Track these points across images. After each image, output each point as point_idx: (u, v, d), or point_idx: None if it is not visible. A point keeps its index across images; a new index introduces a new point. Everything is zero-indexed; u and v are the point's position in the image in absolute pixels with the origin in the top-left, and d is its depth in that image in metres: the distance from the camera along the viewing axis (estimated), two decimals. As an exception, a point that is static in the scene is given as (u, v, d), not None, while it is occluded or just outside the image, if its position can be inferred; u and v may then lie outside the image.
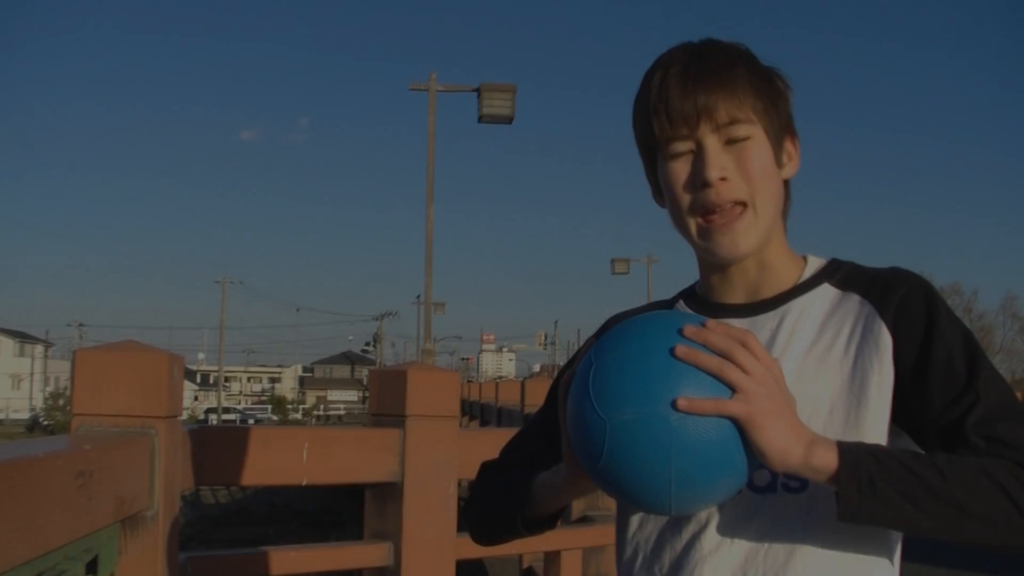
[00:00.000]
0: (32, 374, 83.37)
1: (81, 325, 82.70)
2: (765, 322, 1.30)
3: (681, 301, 1.41)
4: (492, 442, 3.72)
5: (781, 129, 1.29)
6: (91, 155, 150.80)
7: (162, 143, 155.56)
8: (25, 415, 70.63)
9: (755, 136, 1.25)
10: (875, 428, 1.20)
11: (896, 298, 1.24)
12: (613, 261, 45.81)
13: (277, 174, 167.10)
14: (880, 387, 1.21)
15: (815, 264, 1.34)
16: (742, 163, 1.24)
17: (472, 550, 3.75)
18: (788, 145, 1.32)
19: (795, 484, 1.19)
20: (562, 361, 14.25)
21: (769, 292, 1.31)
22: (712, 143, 1.24)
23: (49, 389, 71.61)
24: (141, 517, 2.05)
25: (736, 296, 1.33)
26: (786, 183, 1.32)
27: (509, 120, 19.97)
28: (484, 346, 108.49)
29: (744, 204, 1.25)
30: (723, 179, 1.24)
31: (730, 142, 1.25)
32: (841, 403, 1.22)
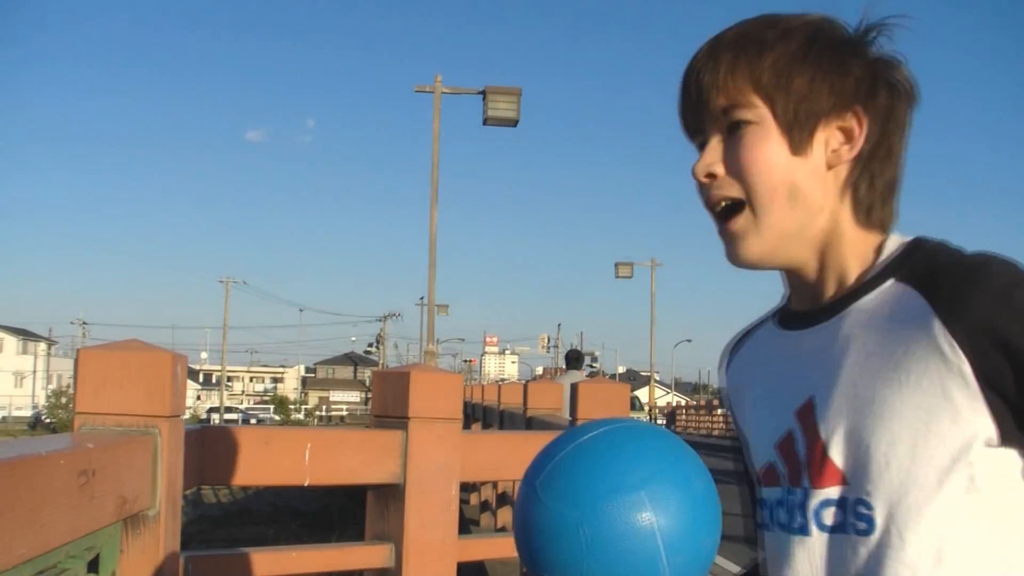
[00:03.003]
0: (35, 372, 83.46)
1: (84, 323, 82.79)
2: (823, 333, 1.11)
3: (777, 313, 1.24)
4: (494, 445, 3.72)
5: (810, 110, 1.08)
6: (96, 153, 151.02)
7: (168, 142, 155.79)
8: (27, 412, 70.70)
9: (759, 121, 1.09)
10: (948, 455, 1.00)
11: (969, 307, 0.98)
12: (617, 265, 45.85)
13: (282, 174, 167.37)
14: (955, 416, 0.99)
15: (891, 250, 1.10)
16: (734, 155, 1.09)
17: (473, 552, 3.74)
18: (832, 127, 1.10)
19: (862, 526, 1.04)
20: (564, 364, 14.12)
21: (830, 294, 1.12)
22: (713, 136, 1.12)
23: (51, 387, 71.64)
24: (143, 516, 2.05)
25: (804, 301, 1.16)
26: (862, 162, 1.10)
27: (514, 123, 19.97)
28: (487, 348, 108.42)
29: (743, 203, 1.09)
30: (710, 176, 1.11)
31: (732, 130, 1.10)
32: (905, 432, 1.01)
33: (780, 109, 1.08)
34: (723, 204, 1.11)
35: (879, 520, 1.02)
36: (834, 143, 1.10)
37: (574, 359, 12.81)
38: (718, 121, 1.11)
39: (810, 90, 1.09)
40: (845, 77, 1.09)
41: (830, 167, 1.10)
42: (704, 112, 1.12)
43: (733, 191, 1.10)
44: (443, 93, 20.48)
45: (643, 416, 36.46)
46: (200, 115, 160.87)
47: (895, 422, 1.02)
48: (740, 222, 1.10)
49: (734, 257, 1.12)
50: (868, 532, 1.03)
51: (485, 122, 19.85)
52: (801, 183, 1.08)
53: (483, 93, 19.74)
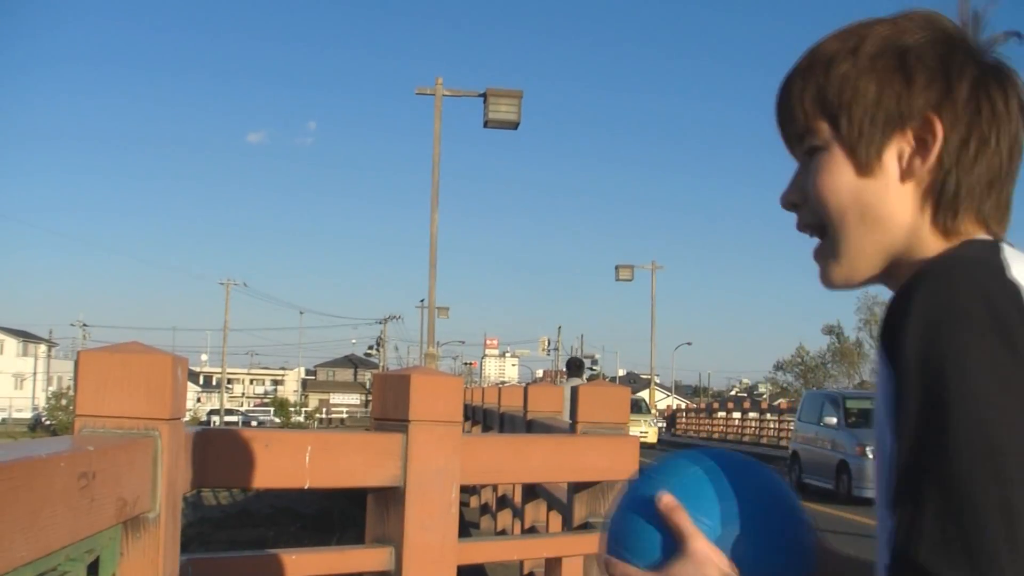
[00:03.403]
0: (35, 374, 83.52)
1: (84, 325, 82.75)
2: None
3: None
4: (494, 448, 3.72)
5: (874, 126, 1.04)
6: (96, 154, 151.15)
7: (169, 143, 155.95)
8: (27, 414, 70.74)
9: (826, 145, 1.07)
10: None
11: (883, 325, 0.94)
12: (617, 267, 45.85)
13: (283, 176, 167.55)
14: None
15: None
16: (806, 183, 1.09)
17: (473, 555, 3.74)
18: (904, 138, 1.04)
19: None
20: (565, 370, 14.19)
21: None
22: (799, 164, 1.12)
23: (52, 389, 71.65)
24: (143, 519, 2.05)
25: None
26: (944, 168, 1.03)
27: (515, 126, 19.99)
28: (487, 351, 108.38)
29: (824, 228, 1.08)
30: (793, 204, 1.11)
31: (810, 156, 1.09)
32: (881, 459, 0.96)
33: (843, 130, 1.06)
34: (808, 231, 1.11)
35: (880, 550, 0.96)
36: (907, 155, 1.04)
37: (575, 367, 12.86)
38: (798, 149, 1.11)
39: (874, 105, 1.04)
40: (912, 83, 1.03)
41: (905, 180, 1.04)
42: (786, 141, 1.13)
43: (812, 218, 1.09)
44: (444, 96, 20.49)
45: (649, 419, 35.84)
46: (201, 116, 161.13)
47: (879, 446, 0.97)
48: (821, 247, 1.09)
49: (821, 280, 1.11)
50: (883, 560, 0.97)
51: (486, 125, 19.87)
52: (871, 203, 1.05)
53: (484, 96, 19.76)
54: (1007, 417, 0.84)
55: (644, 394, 48.12)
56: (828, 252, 1.08)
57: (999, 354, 0.85)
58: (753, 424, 40.08)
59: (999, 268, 0.93)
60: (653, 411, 44.75)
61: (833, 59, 1.07)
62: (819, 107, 1.07)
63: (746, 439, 38.08)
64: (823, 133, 1.07)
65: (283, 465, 2.83)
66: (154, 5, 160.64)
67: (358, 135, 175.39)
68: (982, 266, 0.93)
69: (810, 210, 1.09)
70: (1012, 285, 0.90)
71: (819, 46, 1.10)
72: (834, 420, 17.04)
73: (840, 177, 1.06)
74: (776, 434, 35.26)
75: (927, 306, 0.89)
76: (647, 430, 32.68)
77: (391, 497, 3.04)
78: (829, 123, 1.07)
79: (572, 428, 3.99)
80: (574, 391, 4.01)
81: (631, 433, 4.02)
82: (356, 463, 3.00)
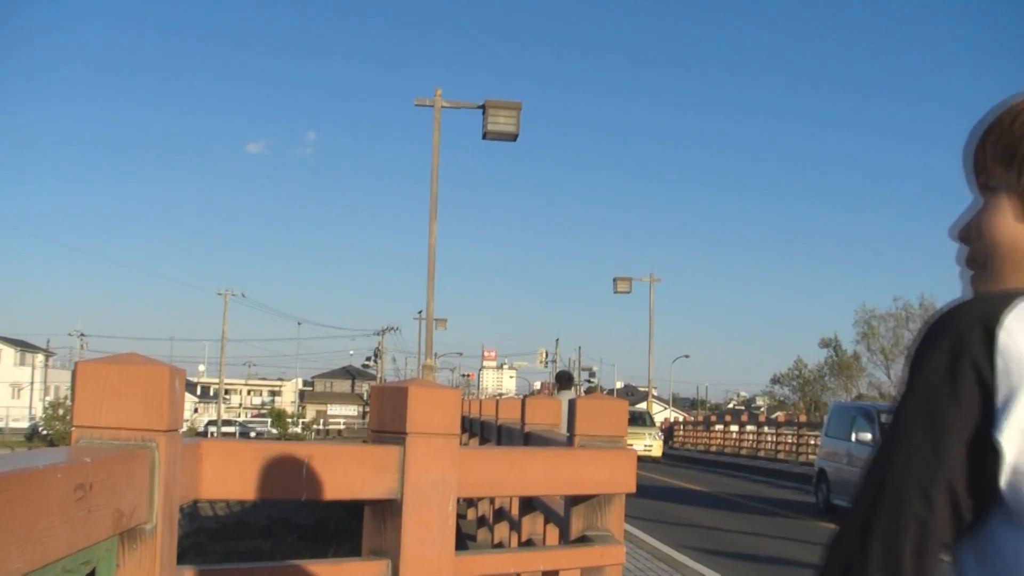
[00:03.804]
0: (32, 383, 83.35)
1: (82, 335, 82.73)
2: None
3: None
4: (492, 461, 3.72)
5: None
6: (95, 163, 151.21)
7: (167, 152, 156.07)
8: (24, 424, 70.65)
9: (1000, 188, 1.17)
10: None
11: None
12: (615, 280, 45.93)
13: (282, 187, 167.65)
14: None
15: None
16: (976, 219, 1.18)
17: (471, 568, 3.73)
18: None
19: None
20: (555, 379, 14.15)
21: None
22: (976, 197, 1.20)
23: (49, 398, 71.54)
24: (140, 530, 2.04)
25: None
26: None
27: (514, 137, 20.02)
28: (485, 363, 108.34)
29: (983, 263, 1.17)
30: (966, 239, 1.19)
31: (983, 194, 1.19)
32: None
33: (1016, 179, 1.15)
34: (974, 266, 1.18)
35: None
36: None
37: (565, 380, 12.82)
38: (977, 186, 1.20)
39: None
40: None
41: None
42: (968, 177, 1.21)
43: (977, 254, 1.18)
44: (443, 107, 20.52)
45: (653, 432, 34.84)
46: (200, 125, 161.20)
47: None
48: (975, 280, 1.18)
49: None
50: None
51: (485, 136, 19.91)
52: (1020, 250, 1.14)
53: (483, 107, 19.80)
54: (909, 445, 0.99)
55: (641, 406, 47.92)
56: (979, 287, 1.17)
57: (938, 380, 0.99)
58: (751, 437, 40.04)
59: (1003, 304, 1.01)
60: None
61: (1022, 114, 1.17)
62: (1000, 154, 1.17)
63: (744, 452, 38.03)
64: (999, 177, 1.17)
65: (280, 476, 2.82)
66: (154, 13, 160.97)
67: (357, 145, 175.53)
68: (989, 303, 1.02)
69: (975, 246, 1.17)
70: (996, 321, 0.99)
71: (1015, 102, 1.19)
72: (868, 436, 15.78)
73: (1004, 219, 1.15)
74: (774, 447, 35.19)
75: (921, 332, 1.04)
76: (651, 444, 31.30)
77: (388, 509, 3.03)
78: (1005, 170, 1.16)
79: (570, 441, 3.99)
80: (572, 404, 4.01)
81: (634, 447, 4.02)
82: (353, 475, 2.99)
